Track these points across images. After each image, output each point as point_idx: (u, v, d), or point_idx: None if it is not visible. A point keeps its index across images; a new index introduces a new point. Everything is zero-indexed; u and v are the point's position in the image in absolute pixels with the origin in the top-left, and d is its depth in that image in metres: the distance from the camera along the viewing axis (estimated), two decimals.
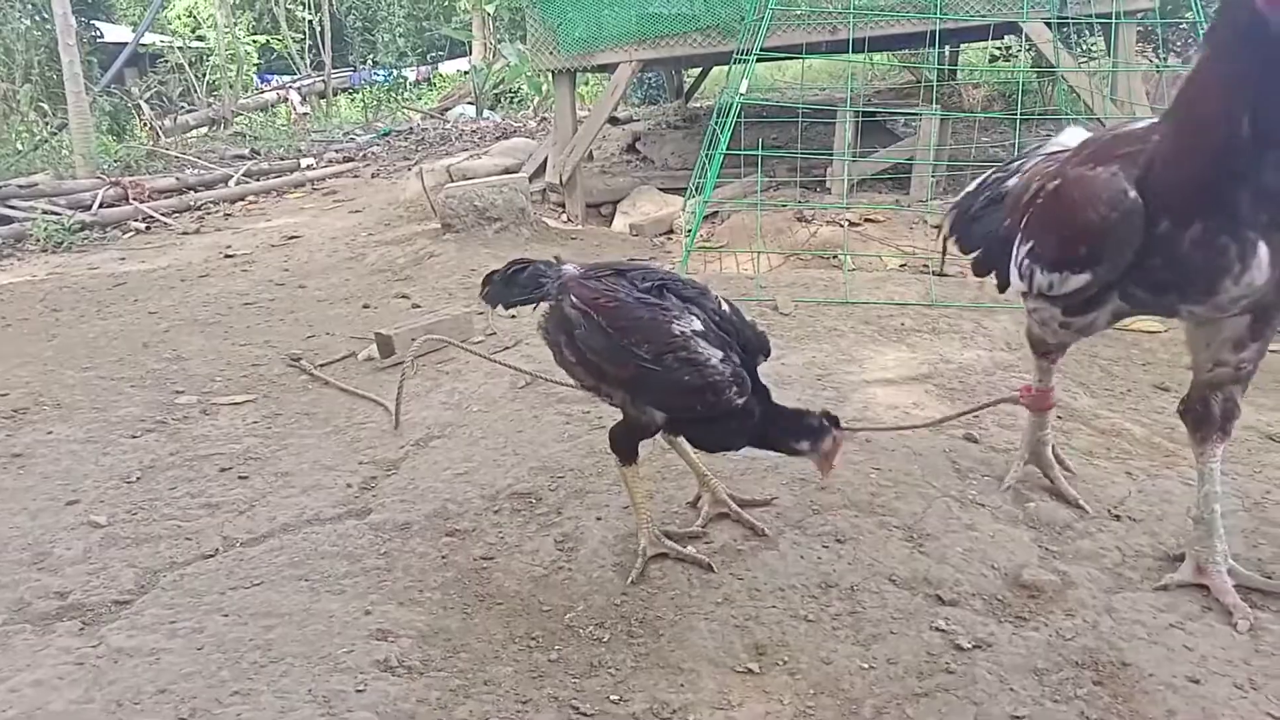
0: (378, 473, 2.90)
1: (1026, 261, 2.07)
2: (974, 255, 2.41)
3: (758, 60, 4.86)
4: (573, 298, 2.16)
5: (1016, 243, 2.12)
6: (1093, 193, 1.80)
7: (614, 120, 11.57)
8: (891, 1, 6.07)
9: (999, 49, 9.48)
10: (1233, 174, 1.63)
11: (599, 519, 2.52)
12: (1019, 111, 4.68)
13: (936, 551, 2.26)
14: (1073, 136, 2.27)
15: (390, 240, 6.24)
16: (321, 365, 3.93)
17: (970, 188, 2.54)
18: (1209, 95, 1.65)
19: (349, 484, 2.83)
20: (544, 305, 2.25)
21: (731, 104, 4.65)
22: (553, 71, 6.77)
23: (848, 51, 6.49)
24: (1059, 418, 3.05)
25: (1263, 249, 1.66)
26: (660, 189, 7.21)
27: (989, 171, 2.51)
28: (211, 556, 2.43)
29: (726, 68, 6.44)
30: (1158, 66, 7.03)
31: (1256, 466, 2.71)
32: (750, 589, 2.16)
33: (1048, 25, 5.63)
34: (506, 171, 7.61)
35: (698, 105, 11.52)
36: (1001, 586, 2.13)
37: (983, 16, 5.63)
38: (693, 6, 6.36)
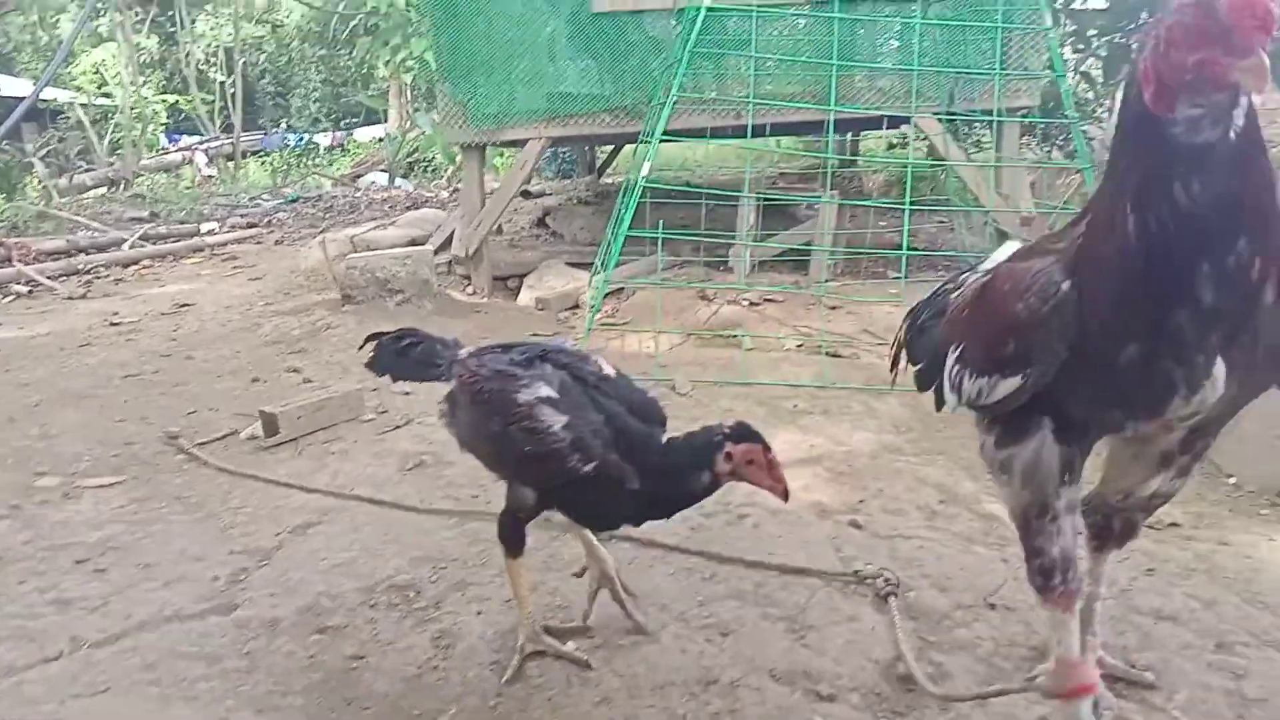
0: (249, 563, 2.76)
1: (956, 368, 1.85)
2: (919, 368, 2.20)
3: (663, 141, 4.98)
4: (454, 378, 2.16)
5: (949, 351, 1.90)
6: (1022, 284, 1.61)
7: (526, 194, 11.64)
8: (792, 90, 6.31)
9: (897, 137, 9.92)
10: (1160, 295, 1.40)
11: (479, 613, 2.44)
12: (908, 200, 4.87)
13: (818, 644, 2.25)
14: (1010, 252, 2.08)
15: (288, 310, 6.09)
16: (200, 444, 3.76)
17: (925, 296, 2.35)
18: (1116, 202, 1.44)
19: (216, 576, 2.68)
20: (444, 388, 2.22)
21: (636, 183, 4.73)
22: (462, 145, 6.79)
23: (753, 136, 6.71)
24: (941, 501, 3.11)
25: (1219, 368, 1.44)
26: (569, 263, 7.23)
27: (943, 280, 2.32)
28: (55, 660, 2.26)
29: (635, 147, 6.58)
30: (1041, 161, 7.45)
31: (1125, 552, 2.78)
32: (629, 687, 2.10)
33: (937, 118, 5.92)
34: (413, 242, 7.56)
35: (609, 181, 11.70)
36: (879, 680, 2.13)
37: (875, 108, 5.89)
38: (602, 88, 6.49)
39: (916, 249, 7.33)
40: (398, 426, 3.86)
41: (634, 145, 7.21)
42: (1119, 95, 9.31)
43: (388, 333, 2.42)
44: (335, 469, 3.43)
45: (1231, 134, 1.34)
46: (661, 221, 4.82)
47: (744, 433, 1.96)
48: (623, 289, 6.41)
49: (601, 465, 1.94)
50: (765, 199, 6.43)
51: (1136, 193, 1.39)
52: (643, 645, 2.25)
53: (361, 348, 2.45)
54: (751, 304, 5.90)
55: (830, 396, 4.14)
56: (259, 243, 10.06)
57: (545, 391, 1.98)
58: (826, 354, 4.77)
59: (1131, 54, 8.51)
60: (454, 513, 2.94)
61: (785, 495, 1.96)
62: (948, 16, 5.67)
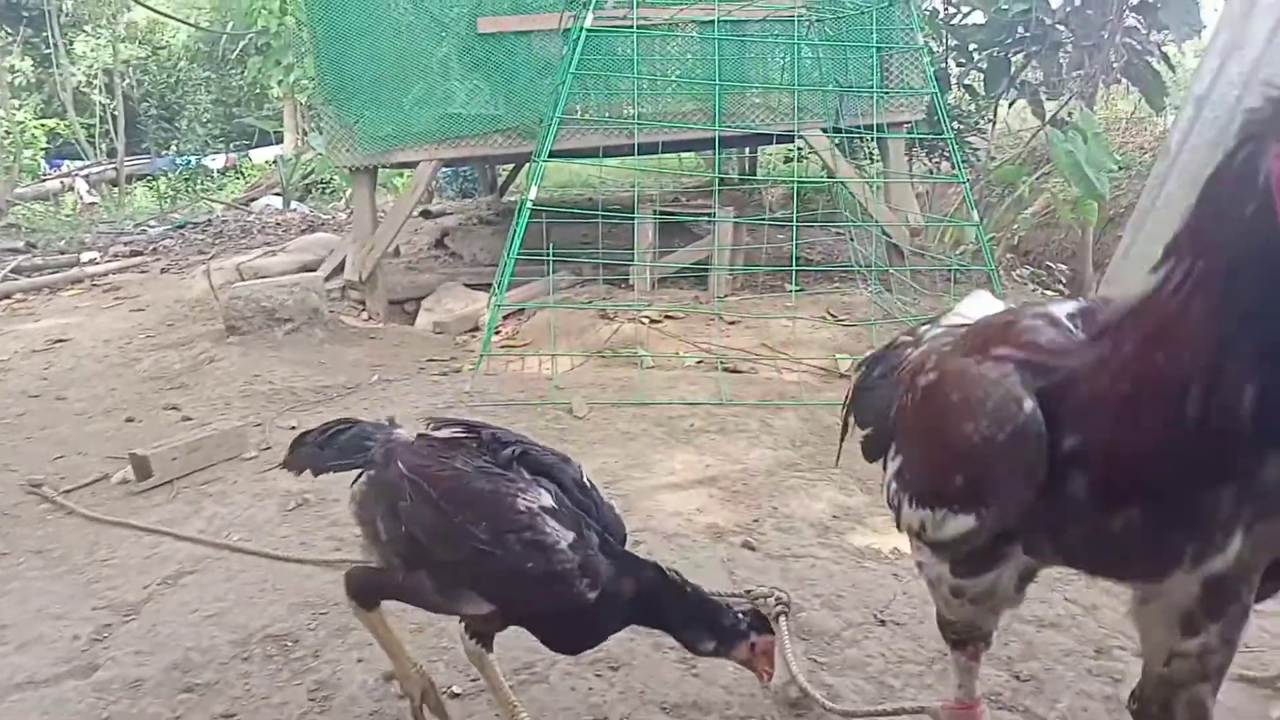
0: (114, 619, 2.59)
1: (894, 487, 1.56)
2: (865, 433, 1.85)
3: (558, 160, 4.95)
4: (400, 464, 1.82)
5: (889, 454, 1.62)
6: (973, 396, 1.27)
7: (427, 214, 11.45)
8: (688, 109, 6.35)
9: (791, 152, 10.09)
10: (1210, 464, 1.09)
11: (360, 660, 2.34)
12: (795, 214, 4.94)
13: (709, 673, 2.21)
14: (977, 305, 1.82)
15: (169, 343, 5.82)
16: (66, 491, 3.54)
17: (878, 348, 2.05)
18: (1195, 342, 1.05)
19: (77, 635, 2.51)
20: (364, 474, 1.91)
21: (523, 205, 4.68)
22: (350, 168, 6.62)
23: (652, 153, 6.74)
24: (834, 517, 3.13)
25: (1236, 539, 1.15)
26: (467, 285, 7.12)
27: (899, 334, 1.97)
28: None
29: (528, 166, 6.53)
30: (928, 176, 7.67)
31: None
32: None
33: (824, 133, 6.03)
34: (305, 268, 7.33)
35: (511, 200, 11.60)
36: (771, 706, 2.11)
37: (763, 126, 5.97)
38: (493, 108, 6.43)
39: (812, 261, 7.47)
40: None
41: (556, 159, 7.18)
42: (998, 109, 9.69)
43: (311, 431, 2.08)
44: (212, 512, 3.26)
45: None
46: (551, 244, 4.78)
47: (767, 625, 1.89)
48: (523, 310, 6.34)
49: (603, 595, 1.71)
50: (660, 216, 6.45)
51: (1238, 341, 1.01)
52: (530, 686, 2.19)
53: (287, 458, 2.08)
54: (652, 321, 5.89)
55: (728, 414, 4.14)
56: (143, 272, 9.61)
57: (547, 500, 1.73)
58: (724, 370, 4.79)
59: (1012, 75, 8.91)
60: (331, 562, 2.81)
61: (767, 681, 1.91)
62: (829, 36, 5.79)
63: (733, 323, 5.78)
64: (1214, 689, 1.35)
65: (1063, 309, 1.31)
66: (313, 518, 3.15)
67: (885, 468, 1.62)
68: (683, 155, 11.84)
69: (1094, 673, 2.22)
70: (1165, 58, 8.40)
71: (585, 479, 1.87)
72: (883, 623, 2.44)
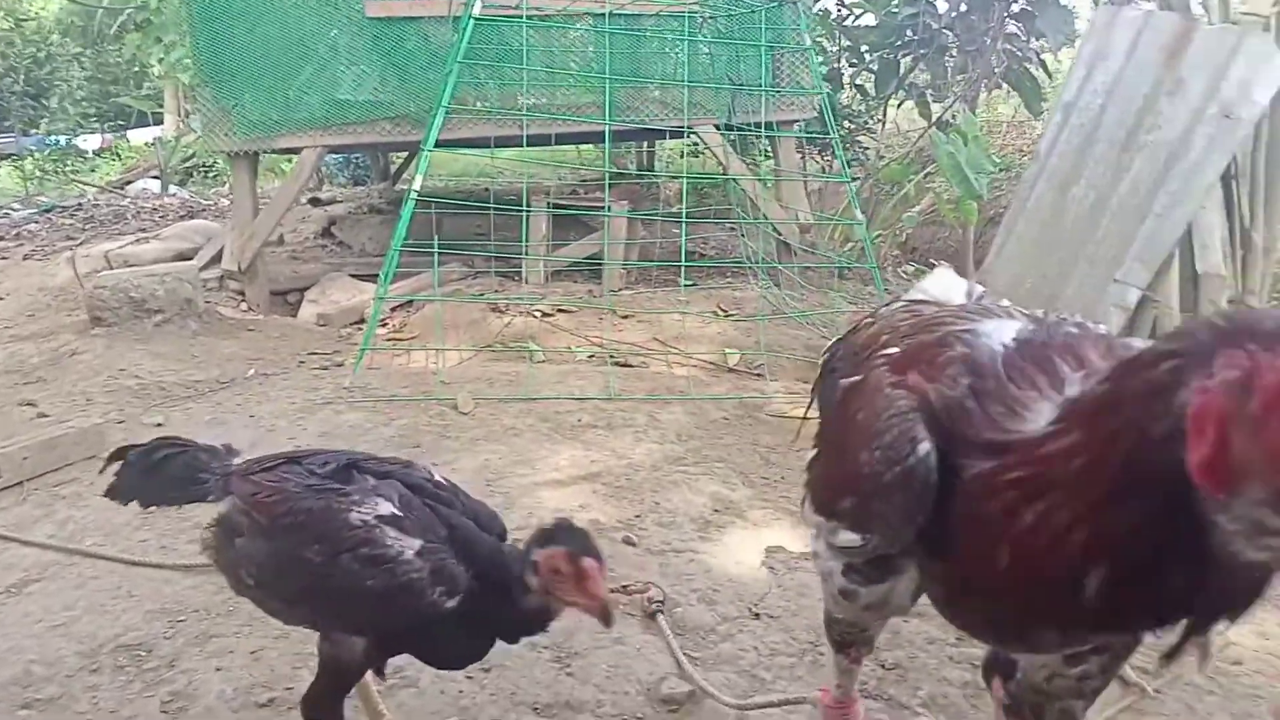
0: None
1: (807, 476, 1.57)
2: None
3: (453, 150, 4.84)
4: (234, 496, 1.69)
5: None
6: (874, 425, 1.24)
7: (316, 201, 11.10)
8: (585, 101, 6.30)
9: (687, 147, 10.15)
10: (1051, 613, 1.11)
11: (219, 669, 2.23)
12: (684, 210, 4.96)
13: (582, 671, 2.20)
14: (939, 282, 1.82)
15: (28, 335, 5.48)
16: None
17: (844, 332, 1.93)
18: (1052, 508, 1.03)
19: None
20: (212, 511, 1.75)
21: (409, 196, 4.57)
22: (230, 153, 6.35)
23: (545, 144, 6.65)
24: (715, 511, 3.15)
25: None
26: (354, 276, 6.93)
27: (863, 317, 1.81)
28: None
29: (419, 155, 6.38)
30: (818, 175, 7.82)
31: None
32: None
33: (717, 130, 6.08)
34: (180, 256, 7.00)
35: (404, 188, 11.35)
36: (643, 703, 2.10)
37: (660, 121, 5.98)
38: (382, 95, 6.25)
39: (706, 256, 7.54)
40: None
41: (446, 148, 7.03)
42: (889, 110, 9.95)
43: (135, 446, 1.87)
44: (65, 516, 3.07)
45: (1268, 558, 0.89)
46: (440, 236, 4.68)
47: (550, 534, 1.58)
48: (413, 302, 6.20)
49: (467, 597, 1.58)
50: (554, 210, 6.40)
51: (1099, 531, 0.99)
52: (399, 690, 2.13)
53: (103, 470, 1.90)
54: (544, 315, 5.84)
55: (616, 408, 4.13)
56: (4, 258, 9.03)
57: (386, 509, 1.59)
58: (615, 364, 4.78)
59: (901, 76, 9.17)
60: (191, 566, 2.68)
61: (605, 617, 1.54)
62: (721, 34, 5.83)
63: (625, 317, 5.77)
64: (1087, 705, 1.39)
65: (1005, 333, 1.25)
66: (174, 519, 2.99)
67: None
68: (581, 148, 11.79)
69: (955, 660, 2.29)
70: (1043, 64, 8.78)
71: (438, 477, 1.74)
72: (757, 616, 2.46)
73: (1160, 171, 3.33)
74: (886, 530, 1.25)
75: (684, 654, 2.26)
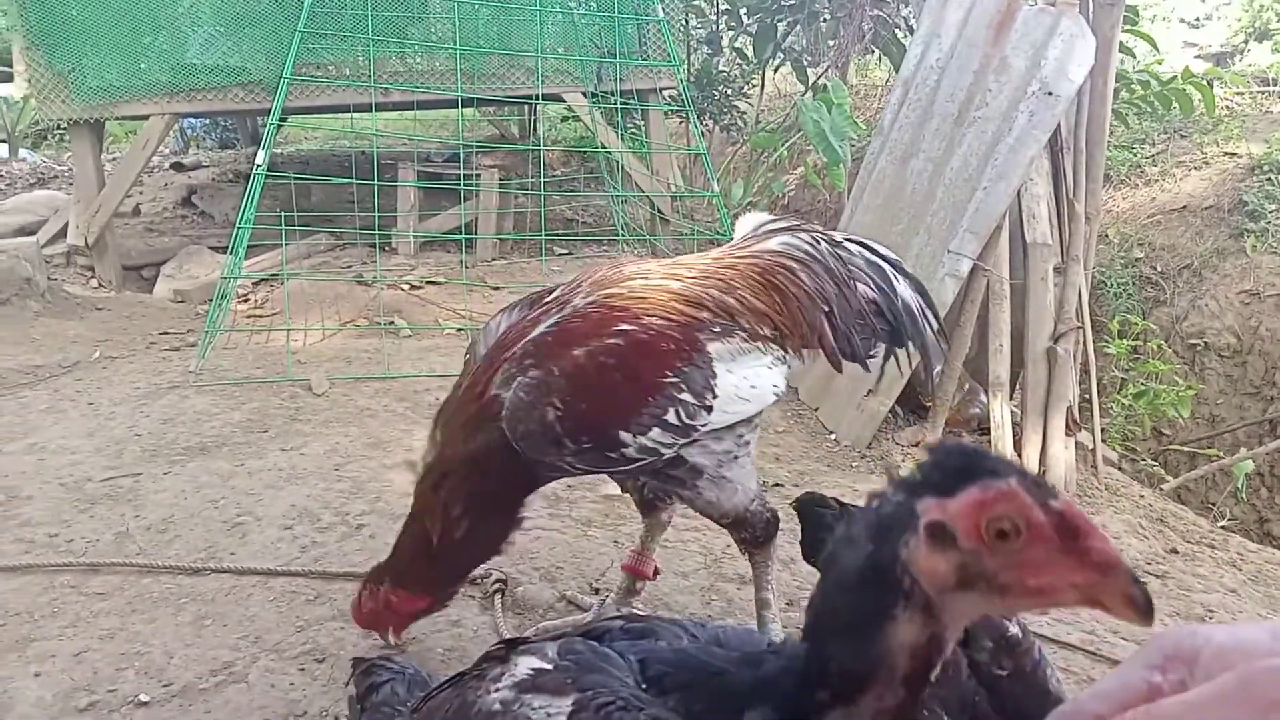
0: None
1: None
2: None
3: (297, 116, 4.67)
4: None
5: None
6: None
7: (179, 167, 10.56)
8: (445, 68, 6.15)
9: (566, 112, 10.04)
10: None
11: (38, 674, 2.16)
12: (543, 180, 4.94)
13: (417, 656, 2.21)
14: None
15: None
16: None
17: None
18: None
19: None
20: None
21: (256, 169, 4.41)
22: (69, 120, 5.98)
23: (408, 110, 6.49)
24: (568, 487, 3.19)
25: None
26: (215, 249, 6.65)
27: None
28: None
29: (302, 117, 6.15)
30: (683, 149, 7.84)
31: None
32: None
33: (584, 97, 6.05)
34: (22, 231, 6.59)
35: (277, 152, 10.90)
36: None
37: (526, 87, 5.91)
38: (234, 59, 5.97)
39: (584, 224, 7.53)
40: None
41: (304, 115, 6.78)
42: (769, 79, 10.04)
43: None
44: None
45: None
46: (284, 211, 4.54)
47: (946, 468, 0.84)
48: (276, 276, 6.01)
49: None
50: (422, 178, 6.27)
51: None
52: (226, 686, 2.10)
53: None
54: (413, 288, 5.76)
55: None
56: None
57: (526, 666, 1.08)
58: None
59: (778, 40, 9.28)
60: (15, 568, 2.57)
61: (1143, 607, 0.72)
62: (571, 6, 5.78)
63: (496, 289, 5.73)
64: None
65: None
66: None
67: None
68: (462, 113, 11.52)
69: (785, 625, 2.39)
70: (911, 30, 8.99)
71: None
72: (597, 591, 2.52)
73: (989, 146, 3.49)
74: None
75: (519, 633, 2.30)
